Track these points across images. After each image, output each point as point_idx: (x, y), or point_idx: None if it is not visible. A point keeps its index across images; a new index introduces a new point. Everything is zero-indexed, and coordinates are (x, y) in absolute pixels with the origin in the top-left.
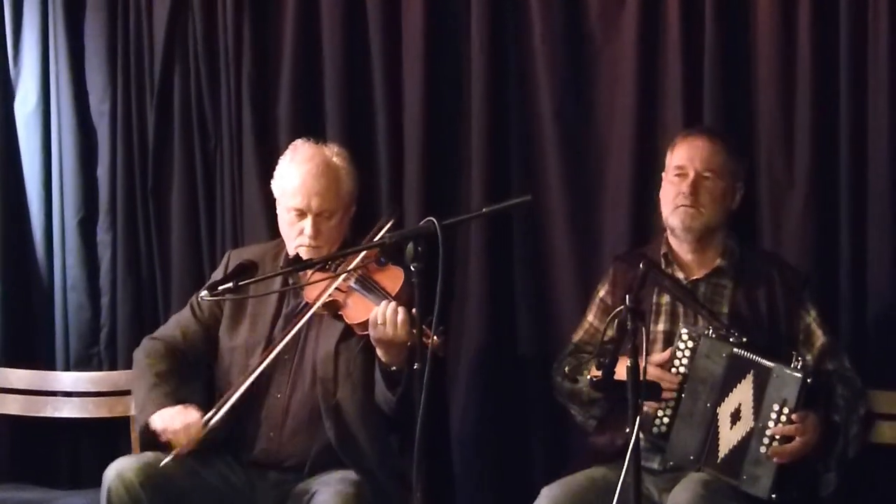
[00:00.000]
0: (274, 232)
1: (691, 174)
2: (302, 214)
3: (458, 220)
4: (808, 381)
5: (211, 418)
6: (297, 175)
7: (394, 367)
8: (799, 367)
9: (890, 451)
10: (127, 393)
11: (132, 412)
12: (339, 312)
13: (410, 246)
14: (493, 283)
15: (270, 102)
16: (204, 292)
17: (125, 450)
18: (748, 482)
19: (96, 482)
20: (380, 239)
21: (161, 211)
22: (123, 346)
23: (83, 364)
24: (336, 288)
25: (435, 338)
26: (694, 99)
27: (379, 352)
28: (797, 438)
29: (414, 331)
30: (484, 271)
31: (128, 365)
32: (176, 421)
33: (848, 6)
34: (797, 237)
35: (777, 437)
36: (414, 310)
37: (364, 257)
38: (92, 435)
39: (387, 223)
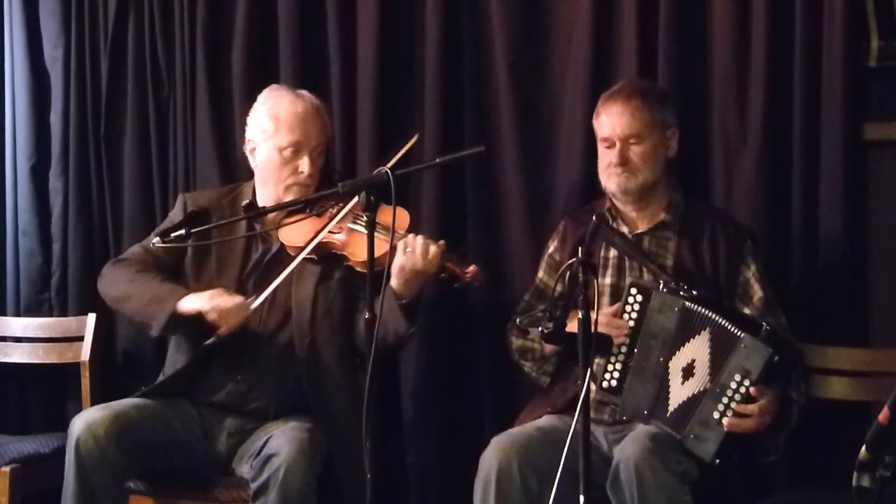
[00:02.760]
0: (226, 178)
1: (617, 143)
2: (296, 153)
3: (410, 170)
4: (776, 358)
5: (252, 303)
6: (291, 112)
7: (405, 300)
8: (768, 340)
9: (838, 406)
10: (78, 339)
11: (82, 358)
12: (340, 253)
13: (363, 195)
14: (445, 234)
15: (224, 48)
16: (156, 238)
17: (75, 396)
18: (693, 441)
19: (45, 428)
20: (333, 188)
21: (114, 157)
22: (74, 292)
23: (33, 310)
24: (329, 231)
25: (472, 268)
26: (648, 54)
27: (397, 282)
28: (754, 418)
29: (447, 264)
30: (436, 222)
31: (79, 311)
32: (225, 301)
33: None
34: (749, 193)
35: (733, 411)
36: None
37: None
38: (41, 381)
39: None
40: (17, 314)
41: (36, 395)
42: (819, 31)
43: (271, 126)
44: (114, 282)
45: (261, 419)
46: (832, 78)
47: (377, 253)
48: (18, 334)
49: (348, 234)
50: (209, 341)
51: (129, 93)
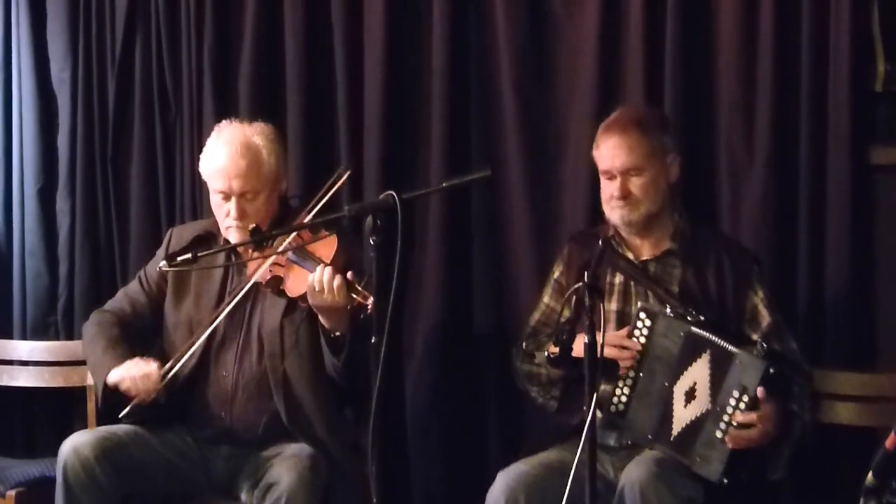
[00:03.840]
0: None
1: (617, 176)
2: (227, 197)
3: (417, 194)
4: (771, 370)
5: (169, 370)
6: (218, 158)
7: (337, 333)
8: (763, 354)
9: (844, 431)
10: (84, 363)
11: (88, 382)
12: (282, 287)
13: (369, 219)
14: (451, 258)
15: (231, 73)
16: (162, 262)
17: (81, 419)
18: (700, 464)
19: (51, 451)
20: (340, 212)
21: (120, 180)
22: (81, 315)
23: (40, 332)
24: (276, 263)
25: (371, 299)
26: (655, 76)
27: (321, 318)
28: (756, 427)
29: (352, 295)
30: (442, 246)
31: None
32: (134, 370)
33: None
34: (756, 217)
35: (735, 423)
36: (350, 273)
37: (298, 233)
38: (48, 404)
39: (342, 176)
40: (24, 336)
41: (42, 418)
42: (825, 55)
43: (204, 169)
44: (83, 339)
45: (250, 447)
46: (838, 102)
47: (299, 289)
48: (24, 358)
49: (287, 268)
50: (124, 412)
51: (136, 115)
